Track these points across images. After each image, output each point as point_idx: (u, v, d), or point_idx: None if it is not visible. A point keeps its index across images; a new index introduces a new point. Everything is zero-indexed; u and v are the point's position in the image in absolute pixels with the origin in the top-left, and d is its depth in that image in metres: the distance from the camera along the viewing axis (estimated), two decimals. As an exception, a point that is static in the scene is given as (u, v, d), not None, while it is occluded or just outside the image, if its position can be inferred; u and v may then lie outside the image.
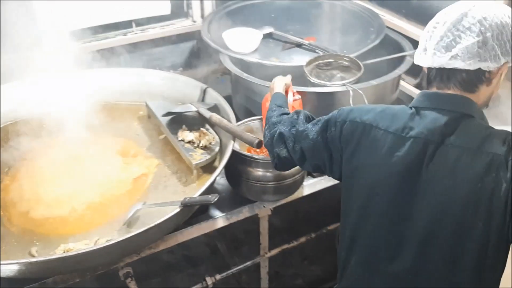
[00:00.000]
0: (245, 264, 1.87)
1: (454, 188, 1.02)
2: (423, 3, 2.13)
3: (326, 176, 1.81)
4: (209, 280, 1.78)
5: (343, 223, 1.24)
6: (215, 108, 1.75)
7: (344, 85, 1.68)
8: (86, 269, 1.45)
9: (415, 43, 1.94)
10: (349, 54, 1.86)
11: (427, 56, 1.07)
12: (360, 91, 1.65)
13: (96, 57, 1.92)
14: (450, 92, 1.08)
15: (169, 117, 1.76)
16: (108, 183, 1.60)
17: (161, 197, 1.55)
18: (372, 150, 1.11)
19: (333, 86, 1.69)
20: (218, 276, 1.80)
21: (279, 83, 1.54)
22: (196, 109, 1.69)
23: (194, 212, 1.58)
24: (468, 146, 1.02)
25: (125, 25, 2.20)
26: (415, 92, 2.30)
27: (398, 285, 1.13)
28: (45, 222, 1.49)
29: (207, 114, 1.64)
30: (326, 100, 1.73)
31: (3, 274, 1.25)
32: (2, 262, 1.15)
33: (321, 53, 1.86)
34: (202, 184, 1.44)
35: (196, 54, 2.43)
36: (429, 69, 1.09)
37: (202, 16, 2.34)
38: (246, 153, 1.57)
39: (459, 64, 1.03)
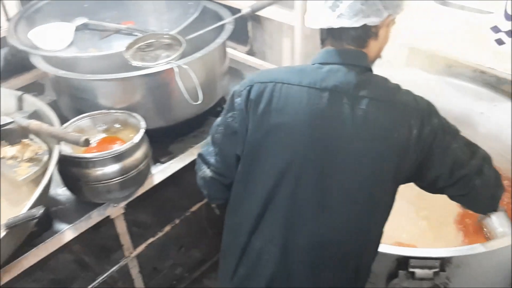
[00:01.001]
0: (110, 271, 1.76)
1: (373, 140, 1.08)
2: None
3: (175, 159, 1.77)
4: (74, 298, 1.64)
5: (245, 197, 1.20)
6: (35, 115, 1.58)
7: (168, 62, 1.62)
8: None
9: (234, 10, 1.95)
10: (170, 31, 1.80)
11: (316, 18, 1.12)
12: (186, 66, 1.61)
13: None
14: (345, 47, 1.13)
15: (-16, 136, 1.55)
16: None
17: (-10, 226, 1.37)
18: (288, 106, 1.11)
19: (157, 66, 1.62)
20: (84, 291, 1.67)
21: None
22: (12, 120, 1.51)
23: (34, 232, 1.44)
24: (382, 98, 1.08)
25: None
26: (248, 59, 2.35)
27: (320, 244, 1.13)
28: None
29: (25, 122, 1.47)
30: (155, 82, 1.66)
31: None
32: None
33: (140, 35, 1.78)
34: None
35: (11, 62, 2.19)
36: (321, 30, 1.15)
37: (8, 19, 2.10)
38: (77, 154, 1.46)
39: (346, 23, 1.08)
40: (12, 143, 1.52)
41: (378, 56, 1.20)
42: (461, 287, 1.36)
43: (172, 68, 1.60)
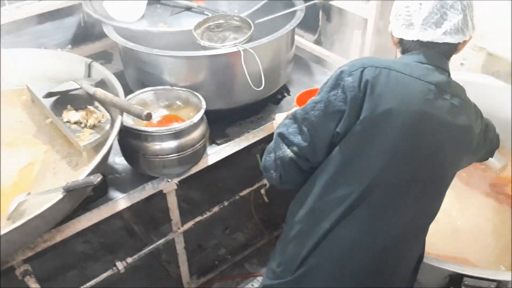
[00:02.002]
0: (157, 243, 1.80)
1: (458, 135, 1.20)
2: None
3: (231, 142, 1.77)
4: (120, 265, 1.69)
5: (342, 182, 1.18)
6: (101, 83, 1.62)
7: (235, 45, 1.61)
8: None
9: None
10: (240, 14, 1.79)
11: (415, 31, 1.19)
12: (252, 51, 1.59)
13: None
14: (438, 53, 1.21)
15: (53, 99, 1.61)
16: (-10, 178, 1.45)
17: (50, 185, 1.42)
18: (402, 94, 1.14)
19: (223, 48, 1.61)
20: (129, 259, 1.72)
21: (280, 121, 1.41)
22: (79, 86, 1.56)
23: (90, 197, 1.48)
24: (463, 97, 1.21)
25: (-5, 3, 1.98)
26: (315, 48, 2.30)
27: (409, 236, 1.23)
28: None
29: (91, 90, 1.51)
30: (220, 64, 1.66)
31: None
32: None
33: (210, 15, 1.78)
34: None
35: (83, 29, 2.25)
36: (410, 41, 1.21)
37: (85, -13, 2.16)
38: (138, 127, 1.48)
39: (449, 39, 1.17)
40: (77, 108, 1.57)
41: None
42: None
43: (238, 51, 1.59)
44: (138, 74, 1.79)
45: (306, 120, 1.22)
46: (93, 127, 1.52)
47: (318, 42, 2.35)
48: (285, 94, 2.03)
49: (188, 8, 1.89)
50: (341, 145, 1.18)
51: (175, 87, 1.64)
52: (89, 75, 1.69)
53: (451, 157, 1.21)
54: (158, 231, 2.31)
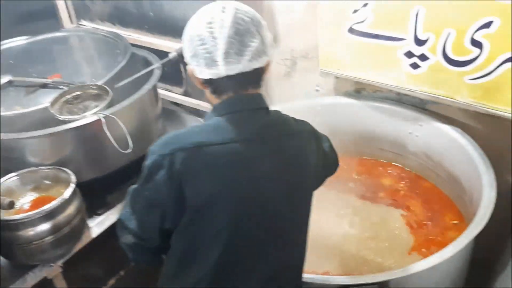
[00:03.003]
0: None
1: (295, 169, 1.17)
2: (161, 16, 2.19)
3: (112, 210, 1.74)
4: None
5: (195, 257, 1.15)
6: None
7: (95, 113, 1.61)
8: None
9: (161, 54, 1.97)
10: (98, 81, 1.80)
11: (220, 68, 1.08)
12: (113, 116, 1.60)
13: None
14: (248, 92, 1.14)
15: None
16: None
17: None
18: (220, 167, 1.09)
19: (84, 119, 1.61)
20: None
21: None
22: None
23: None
24: (291, 132, 1.18)
25: None
26: (185, 100, 2.36)
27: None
28: None
29: None
30: (83, 134, 1.64)
31: None
32: None
33: (66, 88, 1.76)
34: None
35: None
36: (218, 79, 1.10)
37: None
38: (5, 217, 1.41)
39: (257, 64, 1.10)
40: None
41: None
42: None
43: (98, 119, 1.59)
44: (2, 161, 1.71)
45: (133, 207, 1.18)
46: (-46, 228, 1.41)
47: (186, 93, 2.41)
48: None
49: (43, 85, 1.85)
50: (175, 235, 1.15)
51: (40, 167, 1.59)
52: None
53: (292, 200, 1.18)
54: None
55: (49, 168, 1.59)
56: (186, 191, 1.08)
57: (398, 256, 1.69)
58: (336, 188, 1.97)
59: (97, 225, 1.68)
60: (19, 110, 1.72)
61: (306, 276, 1.29)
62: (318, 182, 1.32)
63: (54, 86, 1.84)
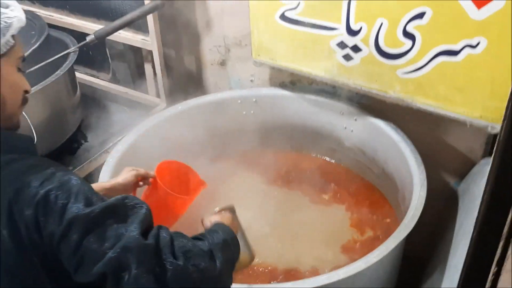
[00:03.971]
0: None
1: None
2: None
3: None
4: None
5: None
6: None
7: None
8: None
9: (81, 37, 1.81)
10: (5, 65, 1.61)
11: None
12: (15, 105, 1.43)
13: None
14: None
15: None
16: None
17: None
18: None
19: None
20: None
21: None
22: None
23: None
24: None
25: None
26: (112, 87, 2.21)
27: None
28: None
29: None
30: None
31: None
32: None
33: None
34: None
35: None
36: None
37: None
38: None
39: None
40: None
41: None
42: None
43: (-2, 108, 1.42)
44: None
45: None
46: None
47: (114, 80, 2.25)
48: (82, 141, 1.89)
49: None
50: None
51: None
52: None
53: None
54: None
55: None
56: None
57: (331, 255, 1.63)
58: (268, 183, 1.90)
59: None
60: None
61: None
62: None
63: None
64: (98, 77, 2.27)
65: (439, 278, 1.42)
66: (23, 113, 1.45)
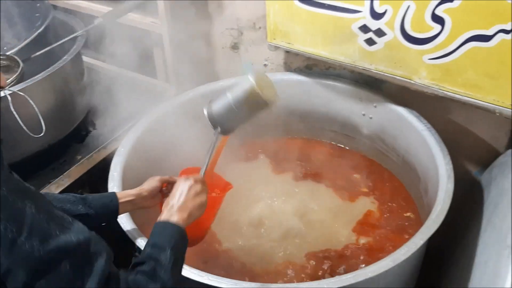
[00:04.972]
0: None
1: None
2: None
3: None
4: None
5: None
6: None
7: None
8: None
9: (88, 19, 1.73)
10: (9, 51, 1.54)
11: None
12: (21, 93, 1.36)
13: None
14: None
15: None
16: None
17: None
18: None
19: (-19, 96, 1.36)
20: None
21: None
22: None
23: None
24: None
25: None
26: (121, 72, 2.13)
27: None
28: None
29: None
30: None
31: None
32: None
33: (-32, 59, 1.50)
34: None
35: None
36: None
37: None
38: None
39: None
40: None
41: None
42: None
43: (5, 96, 1.35)
44: None
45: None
46: None
47: (122, 65, 2.16)
48: (90, 129, 1.83)
49: None
50: None
51: None
52: None
53: None
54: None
55: None
56: None
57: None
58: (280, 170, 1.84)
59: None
60: None
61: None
62: None
63: (-45, 55, 1.57)
64: (105, 62, 2.18)
65: (464, 276, 1.36)
66: (31, 101, 1.39)
